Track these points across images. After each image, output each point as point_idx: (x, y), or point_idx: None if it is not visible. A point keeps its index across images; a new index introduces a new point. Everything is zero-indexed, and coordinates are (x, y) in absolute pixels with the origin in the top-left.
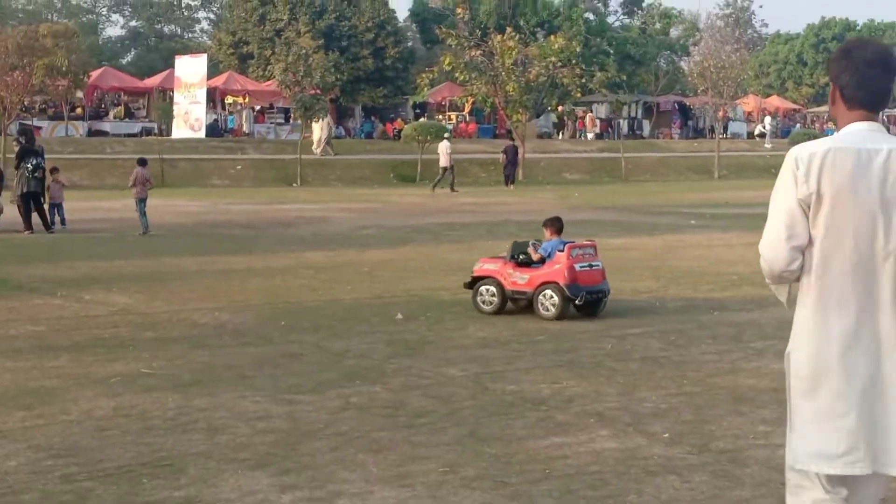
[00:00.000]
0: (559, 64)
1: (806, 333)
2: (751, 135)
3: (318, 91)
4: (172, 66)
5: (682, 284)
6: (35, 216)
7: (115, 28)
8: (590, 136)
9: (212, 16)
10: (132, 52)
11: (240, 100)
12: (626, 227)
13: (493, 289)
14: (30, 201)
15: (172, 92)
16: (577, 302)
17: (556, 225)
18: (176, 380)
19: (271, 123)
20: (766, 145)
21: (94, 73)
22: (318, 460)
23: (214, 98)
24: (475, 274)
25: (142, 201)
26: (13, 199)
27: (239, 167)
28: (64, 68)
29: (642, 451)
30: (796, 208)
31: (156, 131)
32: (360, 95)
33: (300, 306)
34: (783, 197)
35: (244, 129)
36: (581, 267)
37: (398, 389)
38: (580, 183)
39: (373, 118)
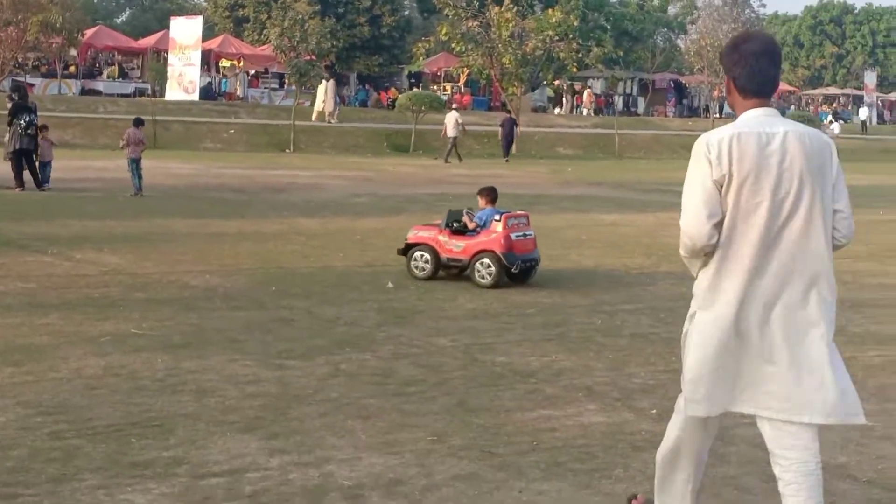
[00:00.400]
0: (556, 38)
1: (707, 296)
2: None
3: (314, 57)
4: (167, 27)
5: (674, 261)
6: (27, 174)
7: None
8: (586, 111)
9: None
10: (127, 12)
11: (235, 63)
12: (619, 204)
13: (426, 255)
14: (21, 158)
15: (167, 53)
16: (512, 270)
17: (490, 194)
18: (166, 341)
19: (265, 88)
20: None
21: (89, 32)
22: (306, 425)
23: (209, 61)
24: (408, 241)
25: (133, 161)
26: (6, 155)
27: (232, 131)
28: (58, 25)
29: (630, 426)
30: (712, 188)
31: (149, 92)
32: (356, 63)
33: (291, 272)
34: (700, 179)
35: (238, 92)
36: (516, 236)
37: (388, 357)
38: (573, 158)
39: (367, 86)
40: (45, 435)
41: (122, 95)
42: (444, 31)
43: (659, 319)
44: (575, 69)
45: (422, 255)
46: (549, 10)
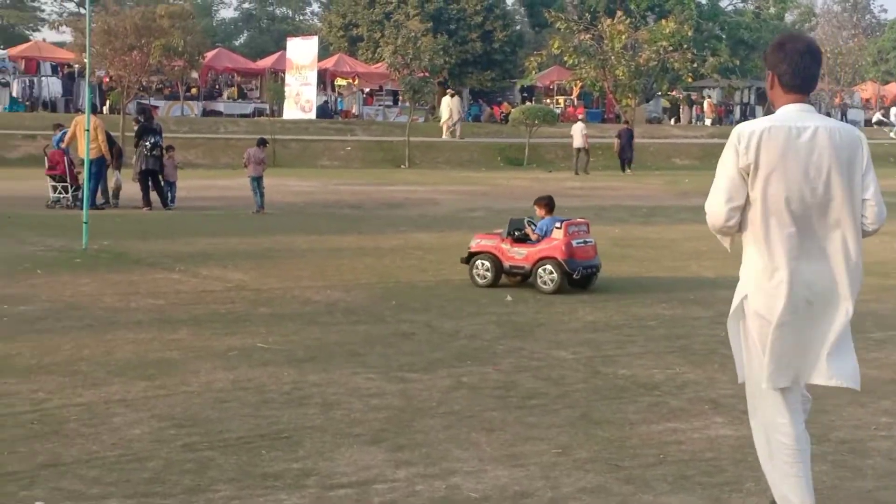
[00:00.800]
0: (670, 48)
1: (753, 279)
2: (868, 122)
3: (427, 74)
4: (284, 47)
5: None
6: (153, 194)
7: (228, 10)
8: (709, 121)
9: None
10: (245, 34)
11: (350, 81)
12: None
13: (487, 263)
14: (148, 178)
15: (284, 73)
16: (574, 276)
17: (548, 204)
18: (290, 355)
19: (380, 105)
20: (892, 135)
21: (209, 54)
22: (431, 438)
23: (325, 80)
24: (471, 250)
25: (255, 179)
26: (134, 176)
27: (348, 148)
28: (180, 49)
29: None
30: (737, 176)
31: (268, 112)
32: (468, 79)
33: (410, 286)
34: (727, 166)
35: (354, 110)
36: (577, 243)
37: (509, 370)
38: (690, 169)
39: (480, 101)
40: (178, 447)
41: (242, 116)
42: (556, 45)
43: None
44: (690, 79)
45: (483, 264)
46: (663, 21)
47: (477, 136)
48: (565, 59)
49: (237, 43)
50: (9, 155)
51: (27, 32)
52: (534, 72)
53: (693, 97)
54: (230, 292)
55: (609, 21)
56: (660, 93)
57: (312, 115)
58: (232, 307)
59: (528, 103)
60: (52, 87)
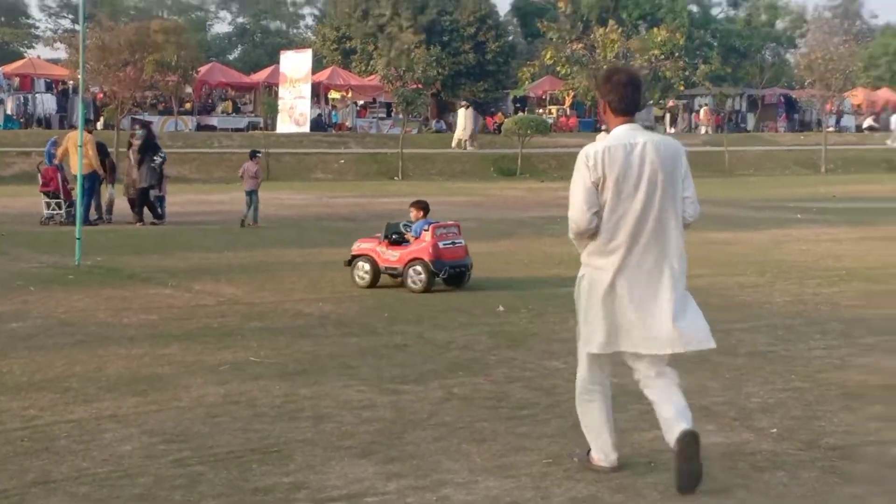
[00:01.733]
0: (662, 57)
1: (593, 263)
2: (859, 128)
3: (420, 85)
4: (278, 61)
5: (789, 279)
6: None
7: (222, 24)
8: (704, 129)
9: (316, 12)
10: (239, 48)
11: (344, 94)
12: (730, 222)
13: (366, 265)
14: (147, 194)
15: (278, 87)
16: (440, 276)
17: (422, 207)
18: (282, 368)
19: (373, 118)
20: (889, 143)
21: (203, 69)
22: (422, 449)
23: (318, 93)
24: (353, 253)
25: (249, 193)
26: (131, 191)
27: (342, 161)
28: (174, 64)
29: (750, 446)
30: (591, 187)
31: (262, 126)
32: (461, 90)
33: (402, 298)
34: (581, 181)
35: (347, 123)
36: (444, 244)
37: (501, 381)
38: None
39: (474, 112)
40: (169, 462)
41: (236, 130)
42: (548, 55)
43: (777, 337)
44: (682, 87)
45: (362, 265)
46: (654, 30)
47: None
48: (558, 68)
49: (231, 57)
50: (3, 172)
51: (21, 49)
52: (527, 82)
53: (680, 106)
54: (223, 306)
55: (601, 30)
56: (651, 101)
57: (306, 129)
58: (224, 321)
59: (520, 114)
60: (46, 103)
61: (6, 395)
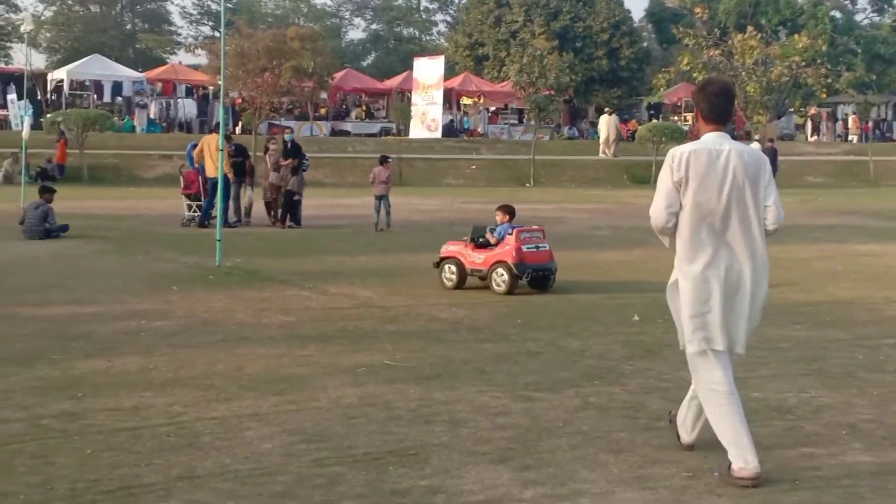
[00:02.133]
0: (803, 63)
1: (683, 267)
2: None
3: (553, 92)
4: (411, 67)
5: None
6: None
7: (356, 31)
8: (854, 138)
9: (449, 18)
10: (372, 55)
11: (476, 100)
12: (876, 234)
13: (453, 267)
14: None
15: (410, 93)
16: (523, 279)
17: (508, 211)
18: (417, 372)
19: (505, 124)
20: None
21: (338, 75)
22: (558, 458)
23: (450, 99)
24: (441, 255)
25: (379, 199)
26: (270, 194)
27: (473, 167)
28: (310, 70)
29: None
30: (672, 188)
31: (394, 131)
32: (594, 96)
33: (535, 305)
34: (665, 181)
35: (479, 129)
36: (528, 248)
37: (637, 391)
38: (824, 187)
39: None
40: (309, 462)
41: (369, 135)
42: (685, 61)
43: None
44: (824, 95)
45: (449, 268)
46: (795, 36)
47: (603, 154)
48: (694, 75)
49: (365, 63)
50: (145, 175)
51: (164, 55)
52: (662, 89)
53: (823, 114)
54: (358, 309)
55: (740, 36)
56: (791, 109)
57: (438, 134)
58: (359, 324)
59: (654, 121)
60: (187, 108)
61: (152, 392)
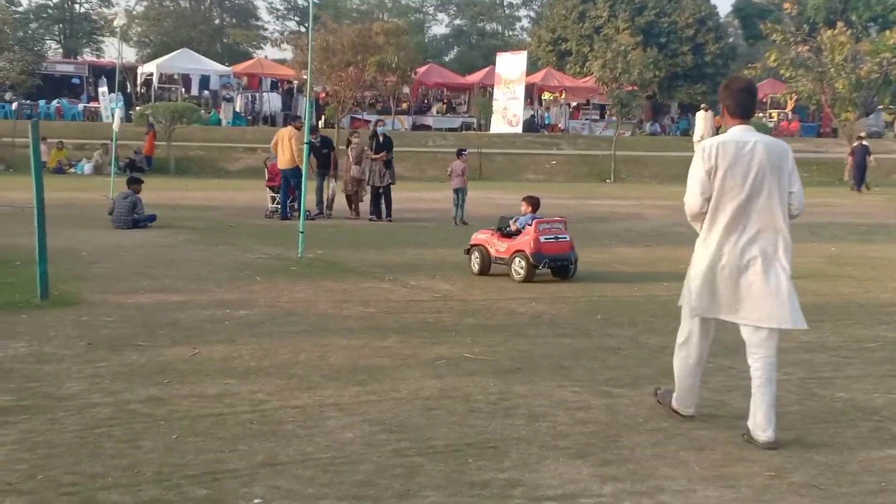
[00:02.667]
0: (894, 60)
1: (701, 242)
2: None
3: (636, 87)
4: (493, 62)
5: None
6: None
7: (440, 26)
8: None
9: (532, 14)
10: (455, 50)
11: (557, 96)
12: None
13: (478, 254)
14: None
15: (492, 88)
16: (540, 267)
17: (532, 202)
18: (496, 365)
19: (586, 119)
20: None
21: (420, 70)
22: (638, 454)
23: (532, 94)
24: (471, 243)
25: (457, 192)
26: (349, 187)
27: (553, 162)
28: (394, 65)
29: None
30: (704, 176)
31: (475, 126)
32: (678, 92)
33: (615, 300)
34: (697, 170)
35: (560, 124)
36: (546, 239)
37: (718, 389)
38: None
39: (689, 115)
40: (389, 452)
41: (450, 129)
42: (772, 58)
43: None
44: None
45: (475, 256)
46: (887, 32)
47: (685, 150)
48: (781, 71)
49: (447, 59)
50: (230, 167)
51: (250, 50)
52: None
53: None
54: (437, 302)
55: (830, 32)
56: (881, 106)
57: (519, 129)
58: (439, 317)
59: None
60: (272, 102)
61: (236, 379)
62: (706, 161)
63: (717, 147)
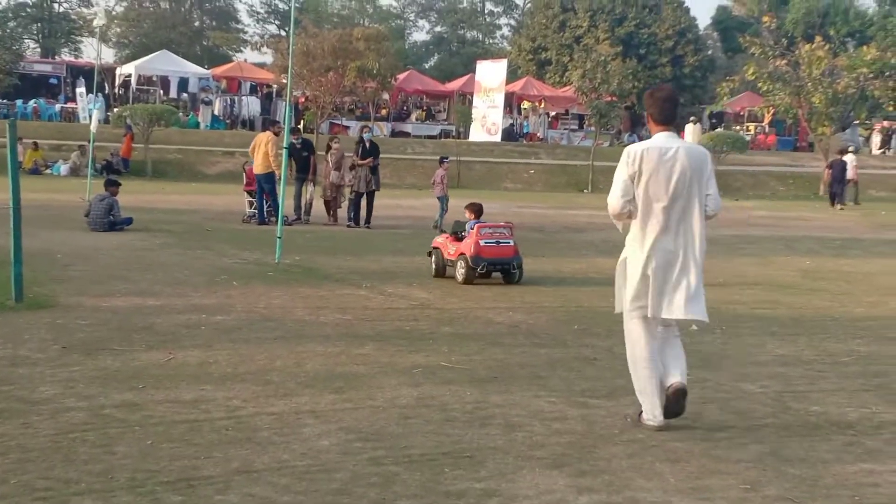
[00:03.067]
0: (871, 75)
1: (633, 246)
2: None
3: (615, 98)
4: (473, 70)
5: None
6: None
7: (420, 33)
8: None
9: (513, 22)
10: (435, 57)
11: (536, 105)
12: None
13: (435, 257)
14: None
15: (472, 96)
16: (479, 270)
17: (475, 209)
18: (473, 374)
19: (565, 129)
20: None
21: (401, 76)
22: (614, 465)
23: (511, 103)
24: (432, 245)
25: (439, 199)
26: (328, 193)
27: (532, 171)
28: (374, 71)
29: None
30: (628, 180)
31: (454, 133)
32: None
33: (592, 311)
34: (621, 173)
35: (538, 134)
36: (486, 243)
37: (695, 401)
38: (888, 201)
39: None
40: (365, 460)
41: (429, 137)
42: (750, 71)
43: None
44: (892, 107)
45: (433, 257)
46: (864, 47)
47: None
48: (759, 84)
49: (427, 65)
50: (208, 170)
51: (230, 53)
52: (725, 97)
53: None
54: (414, 310)
55: (808, 46)
56: (857, 121)
57: (498, 138)
58: (416, 325)
59: (717, 129)
60: (251, 105)
61: (212, 385)
62: (630, 166)
63: (641, 153)
